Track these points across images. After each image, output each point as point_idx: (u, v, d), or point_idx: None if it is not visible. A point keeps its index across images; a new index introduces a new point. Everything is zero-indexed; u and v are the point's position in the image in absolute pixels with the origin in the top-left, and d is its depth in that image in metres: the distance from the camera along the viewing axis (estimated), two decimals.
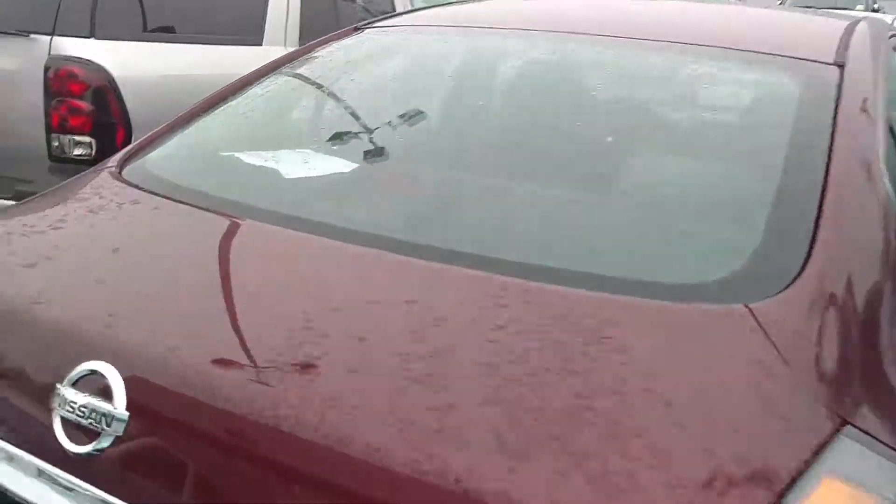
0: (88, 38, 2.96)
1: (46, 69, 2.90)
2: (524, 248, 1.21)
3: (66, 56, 2.92)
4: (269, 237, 1.30)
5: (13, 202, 2.90)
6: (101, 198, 1.52)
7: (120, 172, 1.64)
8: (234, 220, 1.36)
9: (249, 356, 0.98)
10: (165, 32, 3.26)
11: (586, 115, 1.70)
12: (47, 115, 2.93)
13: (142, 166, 1.66)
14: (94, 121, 2.93)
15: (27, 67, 2.96)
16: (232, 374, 0.96)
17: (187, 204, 1.43)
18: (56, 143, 2.95)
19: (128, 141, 3.00)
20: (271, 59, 3.57)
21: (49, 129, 2.94)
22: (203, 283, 1.18)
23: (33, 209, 1.56)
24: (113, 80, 2.94)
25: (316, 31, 3.84)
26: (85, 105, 2.92)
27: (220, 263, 1.22)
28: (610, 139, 1.56)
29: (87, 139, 2.94)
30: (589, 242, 1.25)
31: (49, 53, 2.92)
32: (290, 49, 3.69)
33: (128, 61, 3.04)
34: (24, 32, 2.93)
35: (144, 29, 3.19)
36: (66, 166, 2.97)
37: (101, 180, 1.60)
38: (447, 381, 0.92)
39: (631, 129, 1.64)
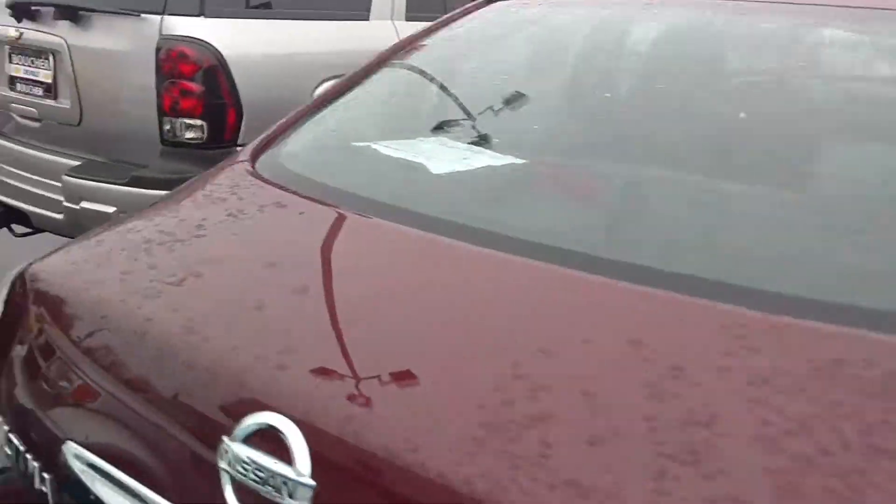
0: (198, 16, 2.84)
1: (157, 50, 2.80)
2: (767, 272, 0.99)
3: (177, 36, 2.80)
4: (452, 255, 1.10)
5: (129, 188, 2.84)
6: (240, 199, 1.37)
7: (254, 167, 1.49)
8: (399, 229, 1.18)
9: (470, 421, 0.79)
10: (272, 9, 3.12)
11: (781, 96, 1.46)
12: (159, 97, 2.83)
13: (277, 160, 1.51)
14: (206, 103, 2.82)
15: (138, 48, 2.86)
16: (451, 440, 0.78)
17: (337, 208, 1.27)
18: (168, 127, 2.85)
19: (239, 124, 2.88)
20: (379, 34, 3.45)
21: (161, 112, 2.84)
22: (393, 314, 1.00)
23: (168, 211, 1.43)
24: (224, 60, 2.82)
25: (421, 4, 3.66)
26: (196, 87, 2.81)
27: (403, 286, 1.04)
28: (828, 126, 1.31)
29: (198, 122, 2.83)
30: (850, 261, 1.03)
31: (160, 33, 2.81)
32: (398, 24, 3.51)
33: (237, 40, 2.91)
34: (134, 12, 2.83)
35: (251, 5, 3.06)
36: (179, 150, 2.88)
37: (237, 177, 1.45)
38: (719, 463, 0.72)
39: (841, 111, 1.39)
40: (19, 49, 3.22)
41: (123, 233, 1.34)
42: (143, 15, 2.82)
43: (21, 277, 1.25)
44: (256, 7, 3.06)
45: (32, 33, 3.12)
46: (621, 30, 1.71)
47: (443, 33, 1.85)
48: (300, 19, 3.16)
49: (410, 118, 1.67)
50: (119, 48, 2.91)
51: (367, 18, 3.41)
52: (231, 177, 1.44)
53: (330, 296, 1.05)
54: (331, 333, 0.97)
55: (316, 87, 3.10)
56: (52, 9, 2.99)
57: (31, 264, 1.28)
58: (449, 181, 1.38)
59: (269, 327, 0.99)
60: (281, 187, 1.37)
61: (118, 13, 2.86)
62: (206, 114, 2.83)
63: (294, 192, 1.34)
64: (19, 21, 3.13)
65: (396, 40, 3.49)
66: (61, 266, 1.26)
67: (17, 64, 3.27)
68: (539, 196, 1.32)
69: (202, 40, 2.80)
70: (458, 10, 1.96)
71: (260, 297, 1.06)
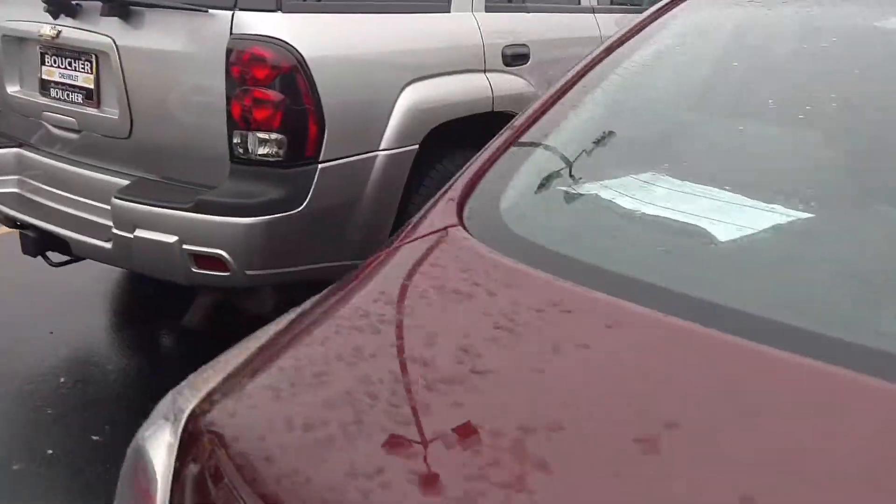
0: (275, 11, 2.42)
1: (228, 52, 2.38)
2: None
3: (251, 35, 2.38)
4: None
5: (195, 214, 2.42)
6: (475, 283, 0.97)
7: (469, 231, 1.08)
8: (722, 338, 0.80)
9: None
10: (351, 1, 2.70)
11: None
12: (229, 107, 2.42)
13: (499, 223, 1.11)
14: (285, 113, 2.41)
15: (204, 49, 2.45)
16: None
17: (637, 307, 0.88)
18: (239, 141, 2.44)
19: (321, 137, 2.47)
20: (462, 28, 3.04)
21: (231, 125, 2.43)
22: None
23: (370, 307, 1.02)
24: (305, 62, 2.41)
25: None
26: (274, 95, 2.40)
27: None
28: None
29: (276, 136, 2.42)
30: None
31: (230, 32, 2.39)
32: (479, 16, 3.10)
33: (318, 39, 2.50)
34: (200, 7, 2.40)
35: None
36: (252, 169, 2.47)
37: (457, 252, 1.04)
38: None
39: None
40: (55, 49, 2.80)
41: (310, 345, 0.94)
42: (210, 11, 2.40)
43: (193, 420, 0.86)
44: (338, 1, 2.64)
45: (72, 31, 2.69)
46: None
47: (651, 39, 1.45)
48: (380, 12, 2.75)
49: (655, 151, 1.27)
50: (179, 49, 2.49)
51: (447, 10, 3.00)
52: (450, 253, 1.04)
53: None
54: None
55: (400, 92, 2.70)
56: (98, 4, 2.55)
57: (195, 401, 0.88)
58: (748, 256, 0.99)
59: None
60: (527, 267, 0.97)
61: (180, 9, 2.44)
62: (286, 126, 2.42)
63: (550, 278, 0.95)
64: (56, 17, 2.70)
65: (478, 34, 3.13)
66: (247, 413, 0.87)
67: (52, 66, 2.84)
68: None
69: (280, 40, 2.39)
70: (654, 9, 1.55)
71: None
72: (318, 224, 2.56)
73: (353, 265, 2.68)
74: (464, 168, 1.27)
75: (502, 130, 1.36)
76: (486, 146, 1.32)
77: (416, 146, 2.77)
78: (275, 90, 2.39)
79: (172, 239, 2.46)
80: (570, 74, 1.38)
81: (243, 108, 2.40)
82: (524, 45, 3.28)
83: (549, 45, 3.47)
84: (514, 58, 3.22)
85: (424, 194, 2.87)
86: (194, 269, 2.49)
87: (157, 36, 2.52)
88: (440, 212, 1.16)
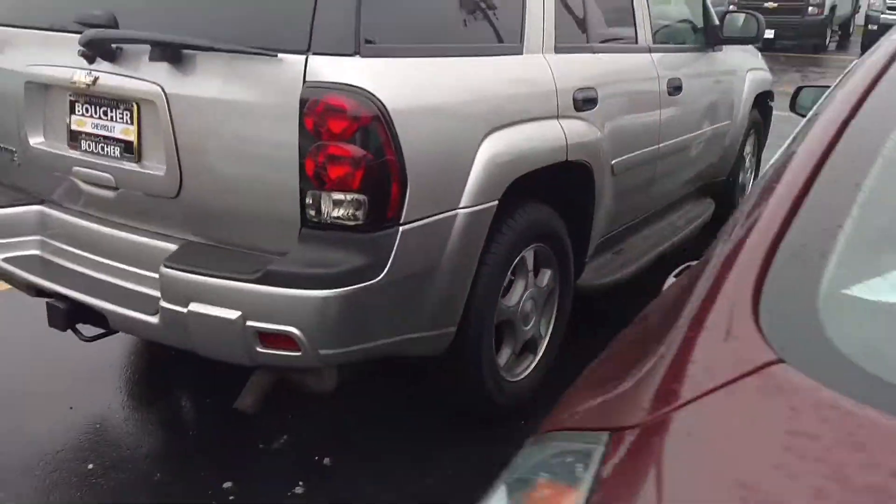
0: (353, 55, 2.14)
1: (302, 102, 2.09)
2: None
3: (328, 83, 2.10)
4: None
5: (258, 286, 2.11)
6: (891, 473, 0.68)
7: (803, 372, 0.79)
8: None
9: None
10: (431, 43, 2.43)
11: None
12: (302, 163, 2.12)
13: (840, 354, 0.81)
14: (367, 171, 2.11)
15: (271, 98, 2.15)
16: None
17: None
18: (311, 202, 2.14)
19: (403, 197, 2.18)
20: (535, 72, 2.77)
21: (304, 183, 2.13)
22: None
23: None
24: (388, 113, 2.12)
25: (566, 34, 3.01)
26: (355, 150, 2.11)
27: None
28: None
29: (355, 196, 2.13)
30: None
31: (304, 80, 2.10)
32: (549, 58, 2.85)
33: (400, 86, 2.22)
34: (268, 51, 2.11)
35: (408, 39, 2.36)
36: (327, 234, 2.17)
37: (812, 412, 0.75)
38: None
39: None
40: (88, 98, 2.49)
41: None
42: (280, 55, 2.11)
43: None
44: (417, 43, 2.36)
45: (111, 78, 2.38)
46: None
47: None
48: (457, 55, 2.48)
49: None
50: (241, 98, 2.19)
51: (520, 52, 2.74)
52: (810, 420, 0.74)
53: None
54: None
55: (481, 142, 2.42)
56: (145, 47, 2.25)
57: None
58: None
59: None
60: None
61: (243, 53, 2.14)
62: (366, 185, 2.12)
63: None
64: (92, 62, 2.39)
65: (551, 78, 2.87)
66: None
67: (83, 116, 2.53)
68: None
69: (362, 88, 2.10)
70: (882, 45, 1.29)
71: None
72: (397, 294, 2.26)
73: (431, 336, 2.43)
74: (721, 253, 0.98)
75: (756, 198, 1.07)
76: (745, 216, 1.03)
77: (496, 202, 2.49)
78: (355, 145, 2.10)
79: (234, 315, 2.15)
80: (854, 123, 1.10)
81: (318, 165, 2.10)
82: (592, 87, 3.03)
83: (614, 88, 3.23)
84: (585, 102, 2.96)
85: (497, 253, 2.60)
86: (259, 349, 2.18)
87: (214, 83, 2.22)
88: (727, 330, 0.87)
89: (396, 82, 2.20)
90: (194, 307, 2.20)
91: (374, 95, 2.10)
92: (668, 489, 0.72)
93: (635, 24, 3.54)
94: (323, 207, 2.14)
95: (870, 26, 14.47)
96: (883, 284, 0.90)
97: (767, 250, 0.92)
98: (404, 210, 2.20)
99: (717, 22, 4.28)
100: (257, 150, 2.21)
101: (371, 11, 2.16)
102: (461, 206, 2.39)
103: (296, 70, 2.10)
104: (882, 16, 14.07)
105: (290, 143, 2.12)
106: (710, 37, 4.26)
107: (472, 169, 2.40)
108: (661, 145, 3.64)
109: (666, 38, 4.02)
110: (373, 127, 2.10)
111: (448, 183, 2.35)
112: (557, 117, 2.81)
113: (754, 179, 5.22)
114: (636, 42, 3.55)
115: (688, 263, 1.27)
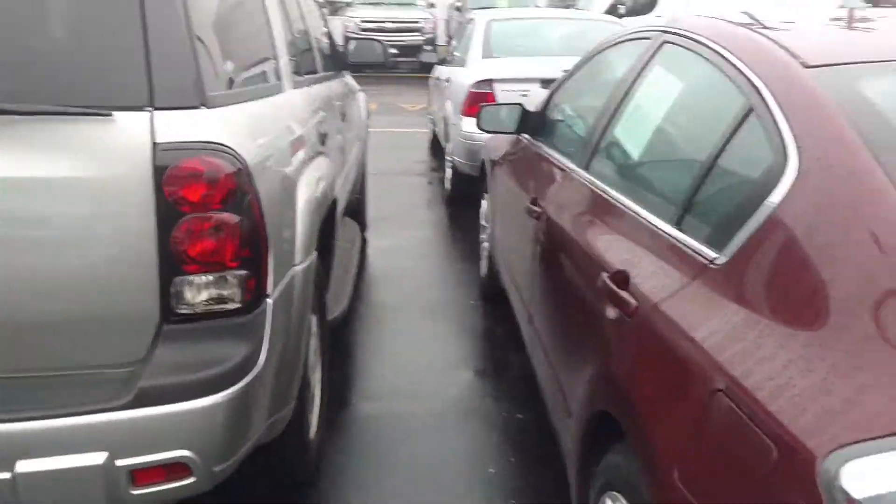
0: (199, 107, 1.76)
1: (159, 170, 1.65)
2: None
3: (186, 143, 1.69)
4: None
5: (130, 412, 1.64)
6: None
7: None
8: None
9: None
10: (252, 86, 2.11)
11: None
12: (163, 243, 1.68)
13: None
14: (241, 241, 1.78)
15: (112, 171, 1.65)
16: None
17: None
18: (175, 291, 1.72)
19: (268, 264, 1.89)
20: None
21: (166, 268, 1.70)
22: None
23: None
24: (248, 168, 1.80)
25: (298, 66, 2.88)
26: (225, 218, 1.75)
27: None
28: None
29: (231, 274, 1.78)
30: None
31: (153, 141, 1.66)
32: (295, 93, 2.71)
33: (247, 137, 1.89)
34: (99, 110, 1.61)
35: (236, 83, 2.01)
36: (199, 327, 1.77)
37: None
38: None
39: None
40: None
41: None
42: (115, 114, 1.63)
43: None
44: (243, 87, 2.02)
45: None
46: None
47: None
48: (266, 95, 2.21)
49: None
50: (65, 174, 1.63)
51: (282, 90, 2.54)
52: None
53: None
54: None
55: (297, 188, 2.22)
56: None
57: None
58: None
59: None
60: None
61: (61, 115, 1.60)
62: (243, 258, 1.79)
63: None
64: None
65: (309, 114, 2.66)
66: None
67: None
68: None
69: (223, 146, 1.75)
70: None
71: None
72: (272, 377, 1.95)
73: (284, 414, 2.11)
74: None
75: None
76: None
77: (316, 252, 2.30)
78: (227, 211, 1.74)
79: (98, 458, 1.62)
80: None
81: (181, 242, 1.70)
82: (323, 121, 2.94)
83: (331, 117, 3.17)
84: (322, 136, 2.87)
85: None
86: (134, 492, 1.68)
87: (29, 157, 1.61)
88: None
89: (245, 133, 1.88)
90: (25, 466, 1.59)
91: (235, 152, 1.76)
92: None
93: (313, 52, 3.50)
94: (189, 294, 1.74)
95: None
96: None
97: None
98: (269, 279, 1.90)
99: (340, 48, 4.44)
100: (92, 238, 1.68)
101: (205, 55, 1.80)
102: (296, 263, 2.15)
103: (139, 130, 1.65)
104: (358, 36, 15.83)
105: (142, 221, 1.66)
106: (339, 62, 4.39)
107: (297, 219, 2.18)
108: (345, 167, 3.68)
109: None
110: (240, 188, 1.77)
111: (288, 239, 2.10)
112: (319, 154, 2.68)
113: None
114: (317, 71, 3.52)
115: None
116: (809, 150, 1.39)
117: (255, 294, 1.83)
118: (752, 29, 1.88)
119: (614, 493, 1.63)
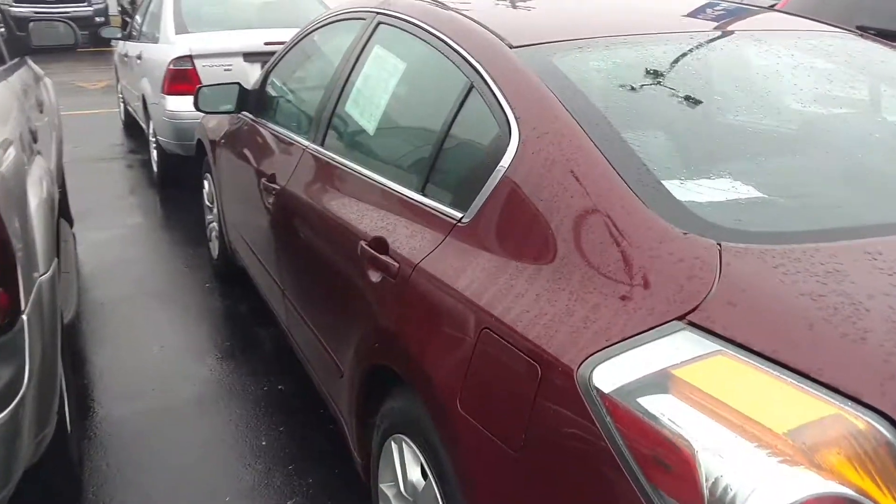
0: None
1: None
2: None
3: None
4: None
5: None
6: None
7: None
8: None
9: None
10: None
11: None
12: None
13: None
14: None
15: None
16: None
17: None
18: None
19: (19, 275, 1.81)
20: None
21: None
22: None
23: None
24: None
25: None
26: None
27: None
28: None
29: None
30: None
31: None
32: None
33: None
34: None
35: None
36: None
37: None
38: None
39: None
40: None
41: None
42: None
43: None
44: None
45: None
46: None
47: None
48: None
49: None
50: None
51: None
52: None
53: None
54: None
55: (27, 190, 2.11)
56: None
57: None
58: None
59: None
60: None
61: None
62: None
63: None
64: None
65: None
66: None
67: None
68: None
69: None
70: None
71: None
72: (34, 397, 1.86)
73: (47, 433, 1.99)
74: None
75: None
76: None
77: (57, 259, 2.19)
78: None
79: None
80: None
81: None
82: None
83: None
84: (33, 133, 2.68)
85: None
86: None
87: None
88: None
89: None
90: None
91: None
92: None
93: None
94: None
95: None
96: None
97: None
98: (21, 293, 1.82)
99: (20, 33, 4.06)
100: None
101: None
102: (40, 272, 2.05)
103: None
104: (13, 10, 14.04)
105: None
106: (21, 48, 4.02)
107: (34, 225, 2.07)
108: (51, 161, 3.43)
109: None
110: None
111: (30, 248, 1.99)
112: (37, 153, 2.51)
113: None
114: (4, 61, 3.22)
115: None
116: (525, 120, 1.67)
117: (10, 311, 1.74)
118: (458, 12, 2.14)
119: (399, 434, 1.84)
